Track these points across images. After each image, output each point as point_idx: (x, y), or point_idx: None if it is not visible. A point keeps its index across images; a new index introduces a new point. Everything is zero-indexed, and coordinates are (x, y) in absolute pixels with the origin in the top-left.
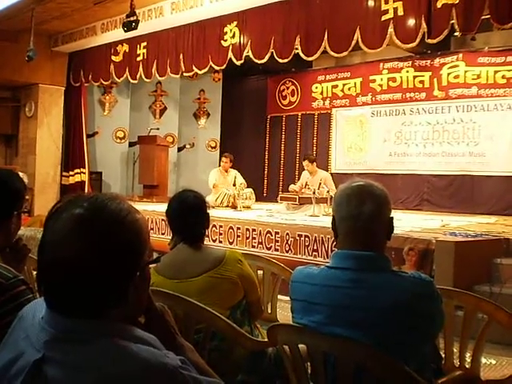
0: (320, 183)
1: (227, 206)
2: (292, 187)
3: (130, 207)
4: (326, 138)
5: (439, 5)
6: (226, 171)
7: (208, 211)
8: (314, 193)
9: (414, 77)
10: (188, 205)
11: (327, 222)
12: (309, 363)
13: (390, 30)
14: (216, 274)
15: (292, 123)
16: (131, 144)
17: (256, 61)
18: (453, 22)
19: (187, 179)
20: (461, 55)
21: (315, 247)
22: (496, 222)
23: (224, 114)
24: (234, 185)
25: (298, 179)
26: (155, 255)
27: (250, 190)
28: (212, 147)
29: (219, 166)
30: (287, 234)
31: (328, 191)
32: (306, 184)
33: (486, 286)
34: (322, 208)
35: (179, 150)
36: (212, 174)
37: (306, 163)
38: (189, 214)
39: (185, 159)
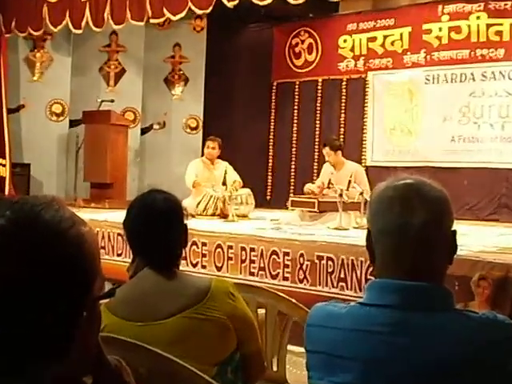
0: (349, 181)
1: (214, 215)
2: (309, 187)
3: (74, 217)
4: (357, 115)
5: None
6: (213, 163)
7: (186, 222)
8: (340, 195)
9: (488, 26)
10: (156, 212)
11: (360, 237)
12: None
13: None
14: (197, 313)
15: (309, 93)
16: (73, 123)
17: (256, 1)
18: None
19: (155, 174)
20: None
21: (342, 275)
22: None
23: (209, 81)
24: (224, 183)
25: (318, 175)
26: (107, 286)
27: (248, 190)
28: (192, 128)
29: (202, 155)
30: (301, 255)
31: (361, 193)
32: (330, 183)
33: None
34: (351, 217)
35: (144, 131)
36: (191, 168)
37: (327, 151)
38: (157, 227)
39: (152, 145)
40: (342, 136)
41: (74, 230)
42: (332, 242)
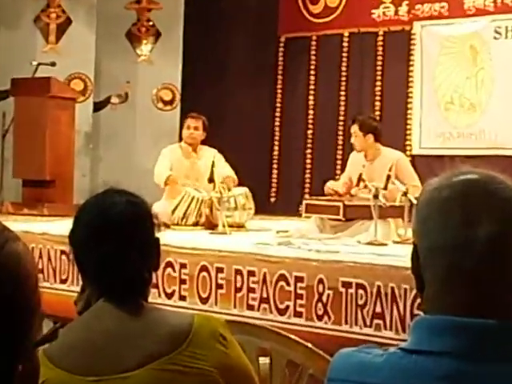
0: (388, 176)
1: (197, 224)
2: (331, 186)
3: (4, 230)
4: (399, 83)
5: None
6: (195, 150)
7: (157, 234)
8: (375, 196)
9: None
10: (115, 222)
11: (403, 256)
12: None
13: None
14: (173, 364)
15: (330, 53)
16: None
17: None
18: None
19: (114, 168)
20: None
21: (378, 308)
22: None
23: (190, 35)
24: (212, 180)
25: (343, 169)
26: (46, 327)
27: (244, 190)
28: (165, 102)
29: (180, 140)
30: (320, 281)
31: (405, 193)
32: (360, 179)
33: None
34: (391, 228)
35: (98, 107)
36: (165, 158)
37: (355, 130)
38: (117, 242)
39: (109, 127)
40: (377, 113)
41: (7, 249)
42: (364, 262)
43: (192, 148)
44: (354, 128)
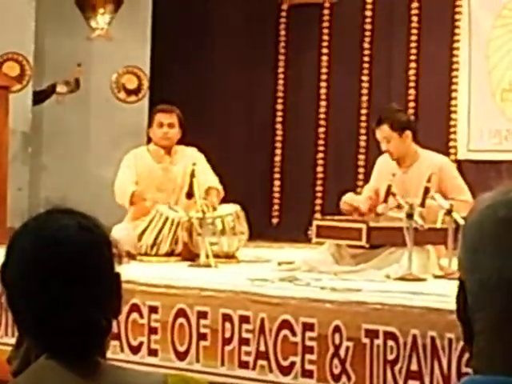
0: (426, 189)
1: (171, 254)
2: (350, 201)
3: None
4: (440, 64)
5: None
6: (169, 153)
7: (118, 268)
8: (409, 216)
9: None
10: (63, 252)
11: (446, 296)
12: None
13: None
14: None
15: (348, 25)
16: None
17: None
18: None
19: (61, 179)
20: None
21: (414, 366)
22: None
23: (161, 3)
24: (191, 194)
25: (366, 179)
26: None
27: (235, 208)
28: (129, 91)
29: (148, 141)
30: (337, 329)
31: (449, 211)
32: (389, 192)
33: None
34: (431, 257)
35: (39, 98)
36: (128, 166)
37: (384, 132)
38: (65, 280)
39: (55, 125)
40: (411, 105)
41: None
42: (394, 303)
43: (165, 151)
44: (383, 129)
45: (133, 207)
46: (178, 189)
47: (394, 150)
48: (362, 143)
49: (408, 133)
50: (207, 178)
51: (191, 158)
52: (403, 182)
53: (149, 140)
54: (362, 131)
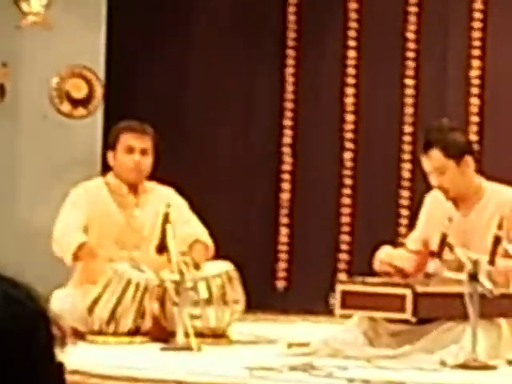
0: (497, 239)
1: (135, 333)
2: (389, 257)
3: None
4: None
5: None
6: (135, 190)
7: (60, 354)
8: (472, 277)
9: None
10: None
11: None
12: None
13: None
14: None
15: (385, 7)
16: None
17: None
18: None
19: None
20: None
21: None
22: None
23: None
24: (163, 248)
25: (411, 224)
26: None
27: (226, 267)
28: (75, 101)
29: (103, 170)
30: None
31: None
32: (444, 242)
33: None
34: (504, 335)
35: None
36: (74, 207)
37: (432, 159)
38: None
39: None
40: (474, 120)
41: None
42: None
43: (129, 188)
44: (434, 156)
45: (80, 265)
46: (144, 243)
47: (449, 185)
48: (406, 174)
49: (469, 159)
50: (192, 229)
51: (165, 200)
52: (464, 229)
53: (104, 169)
54: (406, 157)
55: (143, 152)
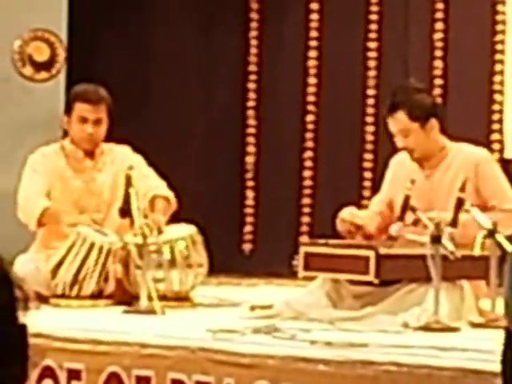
0: (459, 200)
1: (99, 297)
2: (352, 218)
3: None
4: (479, 25)
5: None
6: (92, 154)
7: (22, 317)
8: (435, 239)
9: None
10: None
11: (489, 352)
12: None
13: None
14: None
15: None
16: None
17: None
18: None
19: None
20: None
21: None
22: None
23: None
24: (126, 211)
25: (375, 187)
26: None
27: (191, 231)
28: (37, 65)
29: (64, 135)
30: None
31: (491, 231)
32: (406, 205)
33: None
34: (466, 297)
35: None
36: (34, 172)
37: (397, 121)
38: None
39: None
40: (438, 83)
41: None
42: (416, 364)
43: (85, 152)
44: (399, 118)
45: (43, 230)
46: (105, 206)
47: (414, 146)
48: (369, 137)
49: (433, 122)
50: (150, 182)
51: (125, 160)
52: (427, 190)
53: (66, 133)
54: (369, 120)
55: (97, 121)
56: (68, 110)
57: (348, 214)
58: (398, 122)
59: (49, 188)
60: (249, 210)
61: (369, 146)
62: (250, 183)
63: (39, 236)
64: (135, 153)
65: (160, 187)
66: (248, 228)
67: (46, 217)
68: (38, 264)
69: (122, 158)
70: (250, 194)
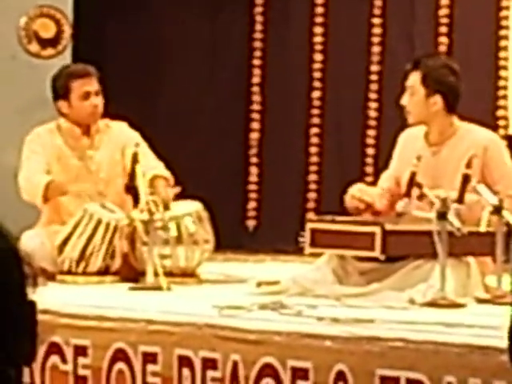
0: (466, 177)
1: (105, 273)
2: (359, 194)
3: None
4: (484, 8)
5: None
6: (87, 132)
7: (31, 294)
8: (441, 215)
9: None
10: None
11: (496, 327)
12: None
13: None
14: None
15: None
16: None
17: None
18: None
19: None
20: None
21: None
22: None
23: None
24: (131, 188)
25: (381, 165)
26: None
27: (197, 207)
28: (44, 41)
29: (62, 113)
30: (340, 376)
31: (497, 208)
32: (413, 181)
33: None
34: (472, 273)
35: None
36: (32, 149)
37: (414, 81)
38: None
39: None
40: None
41: None
42: (421, 340)
43: (82, 130)
44: (414, 78)
45: (48, 206)
46: (103, 184)
47: (411, 109)
48: (372, 113)
49: (438, 99)
50: (148, 162)
51: (122, 137)
52: (433, 167)
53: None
54: (372, 96)
55: (97, 94)
56: (63, 95)
57: (357, 190)
58: (412, 79)
59: (48, 166)
60: (252, 187)
61: (372, 123)
62: (254, 159)
63: (44, 213)
64: (132, 129)
65: (158, 167)
66: (252, 204)
67: (51, 190)
68: (44, 240)
69: (118, 134)
70: (253, 170)
